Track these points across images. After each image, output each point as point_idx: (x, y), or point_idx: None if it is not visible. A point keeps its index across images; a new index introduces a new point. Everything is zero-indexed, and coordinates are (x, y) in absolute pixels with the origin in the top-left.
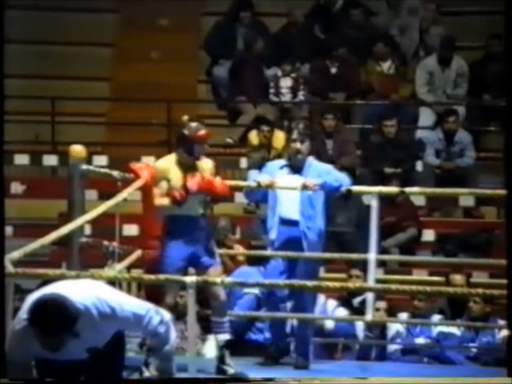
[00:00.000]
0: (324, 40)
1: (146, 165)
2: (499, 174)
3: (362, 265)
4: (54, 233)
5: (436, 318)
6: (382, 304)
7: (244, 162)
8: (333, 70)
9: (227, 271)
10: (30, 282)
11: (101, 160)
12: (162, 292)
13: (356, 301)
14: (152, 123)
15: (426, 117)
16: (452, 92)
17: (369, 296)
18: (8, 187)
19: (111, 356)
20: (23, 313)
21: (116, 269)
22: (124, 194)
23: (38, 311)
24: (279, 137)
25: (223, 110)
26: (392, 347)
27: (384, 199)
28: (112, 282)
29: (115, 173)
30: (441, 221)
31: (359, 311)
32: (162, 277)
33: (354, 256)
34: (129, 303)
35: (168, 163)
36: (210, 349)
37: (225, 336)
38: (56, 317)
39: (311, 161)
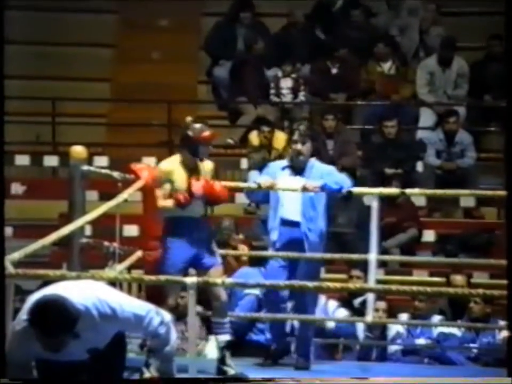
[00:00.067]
0: (325, 41)
1: (147, 166)
2: (499, 174)
3: (363, 266)
4: (55, 234)
5: (437, 318)
6: (382, 305)
7: (244, 163)
8: (334, 71)
9: (231, 271)
10: (30, 283)
11: (101, 161)
12: (163, 293)
13: (357, 301)
14: (152, 124)
15: (426, 117)
16: (453, 92)
17: (370, 296)
18: (9, 188)
19: (111, 357)
20: (24, 314)
21: (117, 269)
22: (124, 195)
23: (39, 312)
24: (279, 138)
25: (224, 110)
26: (392, 348)
27: (385, 200)
28: (112, 283)
29: (115, 174)
30: (441, 222)
31: (360, 311)
32: (162, 278)
33: (355, 256)
34: (130, 304)
35: (173, 164)
36: (211, 349)
37: (226, 337)
38: (57, 318)
39: (313, 162)
